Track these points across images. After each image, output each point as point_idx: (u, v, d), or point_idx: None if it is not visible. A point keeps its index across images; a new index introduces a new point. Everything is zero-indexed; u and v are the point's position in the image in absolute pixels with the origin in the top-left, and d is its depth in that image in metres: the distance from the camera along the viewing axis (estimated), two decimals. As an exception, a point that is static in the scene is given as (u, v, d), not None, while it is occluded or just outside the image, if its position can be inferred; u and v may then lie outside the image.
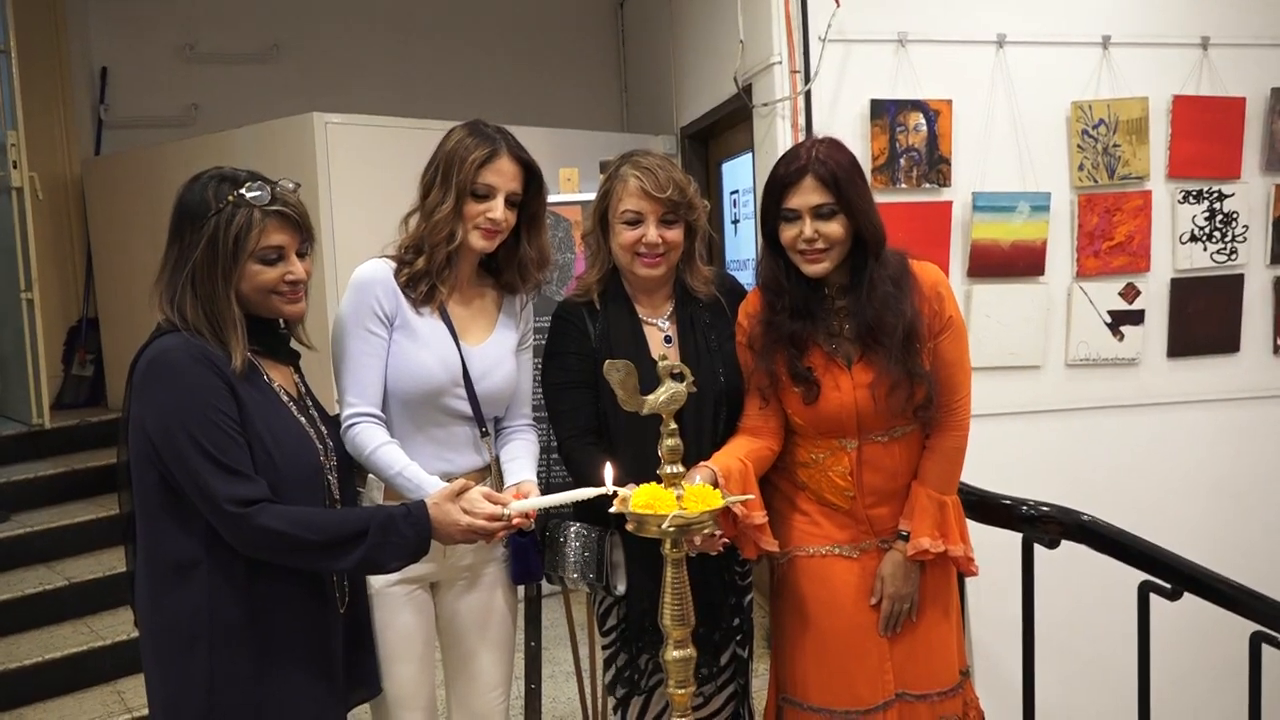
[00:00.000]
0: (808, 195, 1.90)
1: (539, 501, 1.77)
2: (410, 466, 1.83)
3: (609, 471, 1.64)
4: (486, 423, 1.99)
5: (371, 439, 1.84)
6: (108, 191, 5.02)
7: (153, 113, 5.38)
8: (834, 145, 1.94)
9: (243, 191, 1.60)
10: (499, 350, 2.01)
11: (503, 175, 1.90)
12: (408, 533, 1.63)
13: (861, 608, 1.99)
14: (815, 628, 2.00)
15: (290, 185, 1.67)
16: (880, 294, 1.91)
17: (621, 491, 1.61)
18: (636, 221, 1.99)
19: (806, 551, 2.02)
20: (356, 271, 1.92)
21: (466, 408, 1.95)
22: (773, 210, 1.96)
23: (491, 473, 2.00)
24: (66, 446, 4.48)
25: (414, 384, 1.90)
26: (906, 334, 1.90)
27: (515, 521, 1.72)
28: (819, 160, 1.90)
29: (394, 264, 1.93)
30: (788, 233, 1.93)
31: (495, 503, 1.72)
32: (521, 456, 2.01)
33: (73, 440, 4.52)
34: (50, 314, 4.77)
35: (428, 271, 1.91)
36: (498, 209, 1.90)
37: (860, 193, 1.92)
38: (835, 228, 1.90)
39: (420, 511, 1.66)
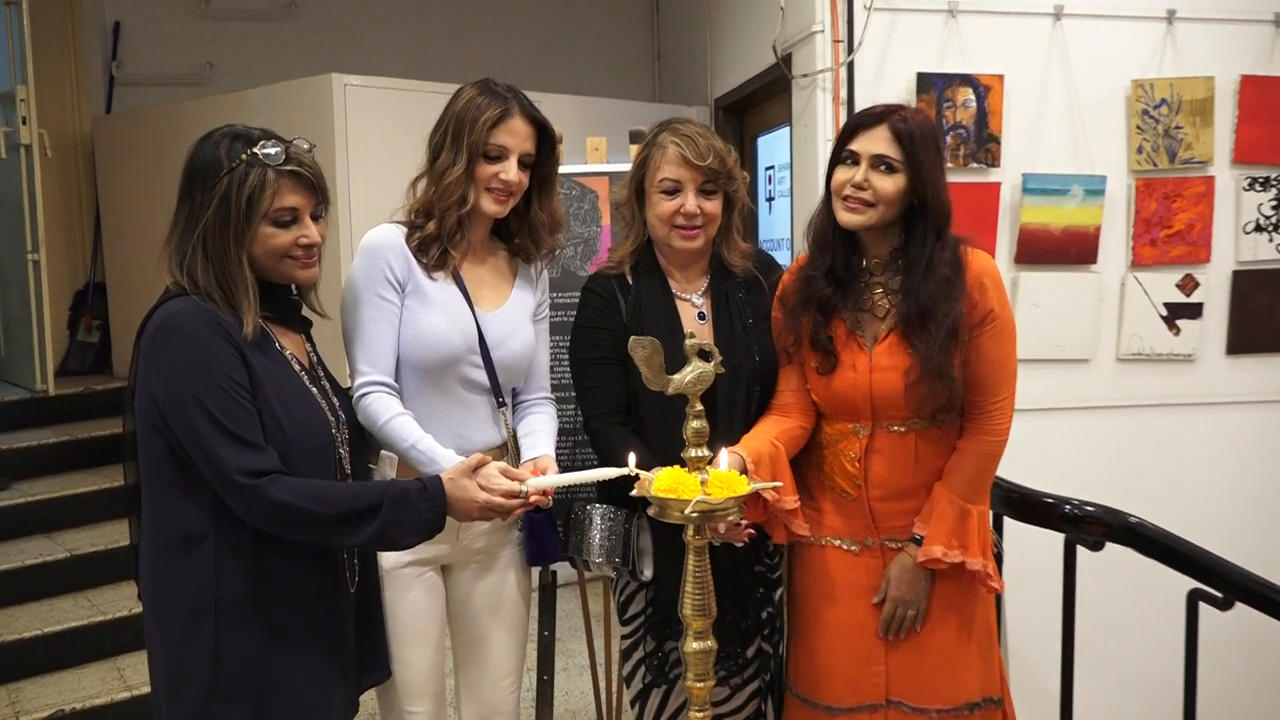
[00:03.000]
0: (875, 142, 1.86)
1: (558, 479, 1.75)
2: (425, 439, 1.80)
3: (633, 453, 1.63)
4: (504, 394, 1.95)
5: (385, 409, 1.81)
6: (119, 151, 4.96)
7: (166, 70, 5.32)
8: (919, 111, 1.94)
9: (256, 150, 1.58)
10: (516, 316, 1.98)
11: (515, 136, 1.88)
12: (423, 508, 1.61)
13: (856, 605, 1.94)
14: (808, 617, 2.00)
15: (305, 145, 1.65)
16: (940, 277, 1.84)
17: (644, 474, 1.58)
18: (675, 191, 1.96)
19: (807, 539, 1.99)
20: (366, 236, 1.90)
21: (483, 377, 1.91)
22: (837, 155, 1.93)
23: (509, 449, 1.96)
24: (70, 414, 4.44)
25: (429, 351, 1.86)
26: (952, 328, 1.83)
27: (533, 499, 1.70)
28: (900, 117, 1.87)
29: (404, 229, 1.91)
30: (840, 175, 1.89)
31: (513, 479, 1.69)
32: (539, 431, 1.98)
33: (77, 408, 4.48)
34: (57, 277, 4.72)
35: (438, 236, 1.89)
36: (511, 170, 1.88)
37: (931, 160, 1.87)
38: (889, 184, 1.85)
39: (436, 487, 1.64)
